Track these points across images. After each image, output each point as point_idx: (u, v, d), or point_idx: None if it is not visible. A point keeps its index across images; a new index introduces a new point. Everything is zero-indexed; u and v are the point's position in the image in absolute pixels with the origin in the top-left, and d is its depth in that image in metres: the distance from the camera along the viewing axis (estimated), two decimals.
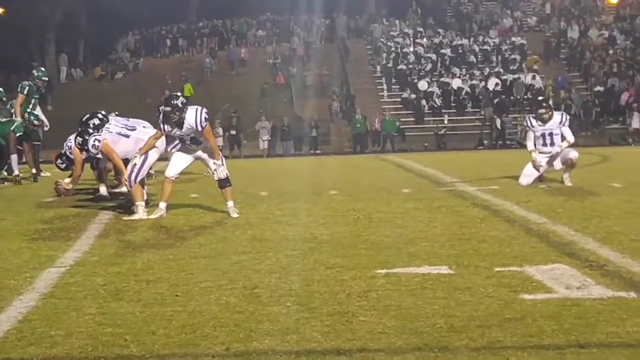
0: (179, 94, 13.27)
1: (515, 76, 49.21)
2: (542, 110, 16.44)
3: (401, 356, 5.38)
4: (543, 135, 16.12)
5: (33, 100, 20.03)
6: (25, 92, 19.81)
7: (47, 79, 21.27)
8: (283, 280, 7.71)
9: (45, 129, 21.07)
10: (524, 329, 5.93)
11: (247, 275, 7.94)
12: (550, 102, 17.08)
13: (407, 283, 7.45)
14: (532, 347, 5.53)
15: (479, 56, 52.46)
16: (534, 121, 16.35)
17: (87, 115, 13.49)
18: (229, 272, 8.12)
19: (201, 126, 12.13)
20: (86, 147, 13.27)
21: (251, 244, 9.84)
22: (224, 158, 12.64)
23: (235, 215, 12.27)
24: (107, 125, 13.27)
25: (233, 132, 43.18)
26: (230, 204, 12.45)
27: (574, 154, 15.97)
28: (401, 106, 48.88)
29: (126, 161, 12.90)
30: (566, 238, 9.78)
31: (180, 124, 12.17)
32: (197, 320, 6.32)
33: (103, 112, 13.83)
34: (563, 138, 16.12)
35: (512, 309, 6.46)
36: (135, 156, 12.62)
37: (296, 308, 6.63)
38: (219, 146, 13.00)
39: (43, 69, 22.16)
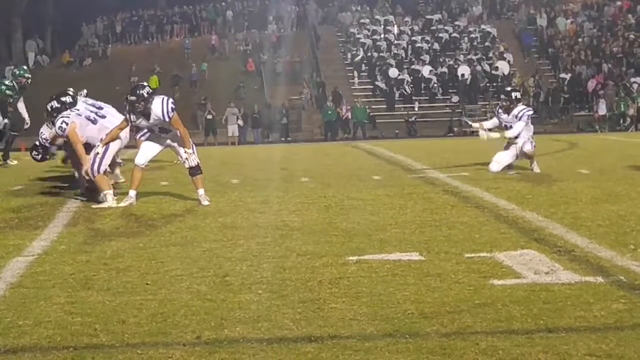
0: (145, 83, 13.18)
1: (485, 63, 49.35)
2: (503, 97, 16.87)
3: (372, 342, 5.40)
4: (505, 127, 16.21)
5: (12, 100, 19.90)
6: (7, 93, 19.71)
7: (29, 76, 21.03)
8: (254, 267, 7.72)
9: (26, 126, 20.84)
10: (494, 314, 5.97)
11: (218, 263, 7.94)
12: (518, 94, 16.92)
13: (378, 270, 7.48)
14: (501, 332, 5.58)
15: (449, 44, 52.45)
16: (500, 110, 16.48)
17: (54, 97, 13.31)
18: (200, 260, 8.12)
19: (168, 117, 12.07)
20: (55, 125, 13.05)
21: (222, 231, 9.83)
22: (194, 146, 12.60)
23: (205, 203, 12.24)
24: (77, 107, 13.08)
25: (209, 116, 43.53)
26: (201, 191, 12.41)
27: (527, 147, 16.04)
28: (371, 94, 48.91)
29: (87, 147, 12.77)
30: (535, 224, 9.86)
31: (146, 114, 12.11)
32: (168, 308, 6.31)
33: (72, 90, 13.69)
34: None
35: (482, 295, 6.51)
36: (98, 145, 12.53)
37: (267, 295, 6.64)
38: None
39: (25, 67, 22.04)
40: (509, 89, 20.18)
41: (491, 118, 17.68)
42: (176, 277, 7.39)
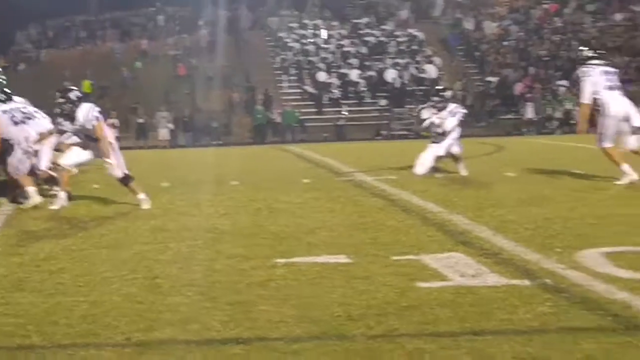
0: (74, 87, 13.21)
1: (413, 67, 49.70)
2: (436, 99, 17.03)
3: (300, 345, 5.45)
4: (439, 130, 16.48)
5: None
6: None
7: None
8: (184, 270, 7.75)
9: None
10: (420, 316, 6.02)
11: (148, 266, 7.96)
12: (448, 93, 17.30)
13: (306, 272, 7.53)
14: (427, 334, 5.63)
15: (377, 48, 52.70)
16: (435, 111, 16.58)
17: None
18: (130, 263, 8.13)
19: (91, 124, 12.14)
20: None
21: (153, 234, 9.85)
22: (119, 155, 12.52)
23: (147, 206, 12.21)
24: (5, 105, 13.05)
25: (141, 120, 43.50)
26: (141, 196, 12.36)
27: (455, 149, 16.39)
28: (300, 97, 48.98)
29: (7, 144, 12.74)
30: (461, 227, 9.94)
31: (71, 118, 12.20)
32: (99, 310, 6.33)
33: None
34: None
35: (409, 297, 6.55)
36: (29, 146, 12.55)
37: (197, 298, 6.68)
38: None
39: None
40: (439, 87, 20.44)
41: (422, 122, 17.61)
42: (107, 279, 7.40)
